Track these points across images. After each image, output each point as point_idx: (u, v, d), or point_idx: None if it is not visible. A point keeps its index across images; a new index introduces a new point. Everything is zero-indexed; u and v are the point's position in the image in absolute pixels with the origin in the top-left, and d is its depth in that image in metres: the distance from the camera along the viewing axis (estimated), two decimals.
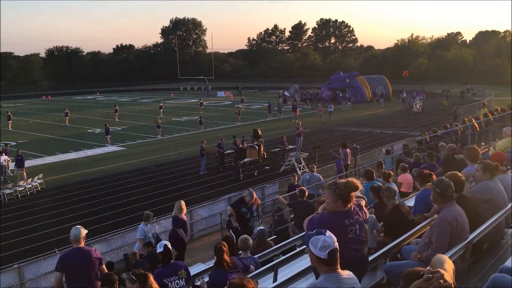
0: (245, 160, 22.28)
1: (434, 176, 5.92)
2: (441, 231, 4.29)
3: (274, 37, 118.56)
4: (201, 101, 51.06)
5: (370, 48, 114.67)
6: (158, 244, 5.70)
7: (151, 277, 4.48)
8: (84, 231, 6.19)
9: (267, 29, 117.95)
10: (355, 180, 3.83)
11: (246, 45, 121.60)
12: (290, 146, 23.91)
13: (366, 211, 4.16)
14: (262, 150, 24.09)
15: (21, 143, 29.66)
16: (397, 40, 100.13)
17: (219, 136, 26.33)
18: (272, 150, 23.81)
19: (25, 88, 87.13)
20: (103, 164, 24.53)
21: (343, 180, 3.81)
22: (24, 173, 20.72)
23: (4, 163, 21.10)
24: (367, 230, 4.26)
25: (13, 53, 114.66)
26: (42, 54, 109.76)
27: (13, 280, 9.30)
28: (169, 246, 5.69)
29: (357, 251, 3.85)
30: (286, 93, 55.01)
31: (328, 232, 3.02)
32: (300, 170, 20.47)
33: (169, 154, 26.79)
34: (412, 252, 4.60)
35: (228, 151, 23.65)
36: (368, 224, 4.75)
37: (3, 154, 21.79)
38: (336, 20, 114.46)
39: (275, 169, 22.18)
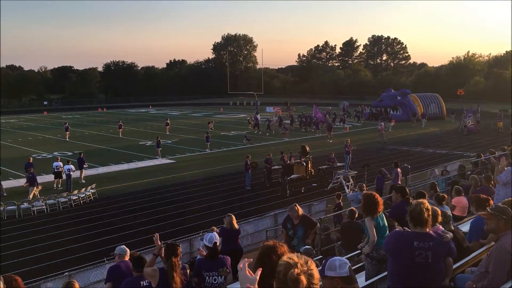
0: (292, 176, 22.13)
1: (491, 202, 5.61)
2: (500, 260, 4.03)
3: (324, 53, 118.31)
4: (252, 116, 51.30)
5: (423, 65, 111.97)
6: (209, 238, 5.66)
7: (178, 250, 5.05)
8: (128, 251, 6.48)
9: (318, 45, 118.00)
10: (427, 204, 3.78)
11: (296, 61, 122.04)
12: (339, 164, 23.55)
13: (452, 246, 4.04)
14: (309, 166, 23.87)
15: (77, 154, 30.84)
16: (452, 58, 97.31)
17: (267, 152, 26.35)
18: (320, 167, 23.52)
19: (82, 101, 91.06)
20: (153, 176, 25.08)
21: (415, 201, 3.77)
22: (36, 192, 20.38)
23: (69, 172, 21.96)
24: (449, 264, 4.07)
25: (72, 66, 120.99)
26: (100, 68, 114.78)
27: None
28: (218, 242, 5.71)
29: (422, 283, 3.65)
30: (258, 117, 47.82)
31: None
32: (348, 188, 20.08)
33: (217, 168, 27.05)
34: (467, 281, 4.35)
35: (275, 167, 23.58)
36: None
37: (69, 163, 22.73)
38: (388, 37, 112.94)
39: (323, 186, 21.88)
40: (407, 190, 7.98)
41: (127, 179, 24.32)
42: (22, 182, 22.91)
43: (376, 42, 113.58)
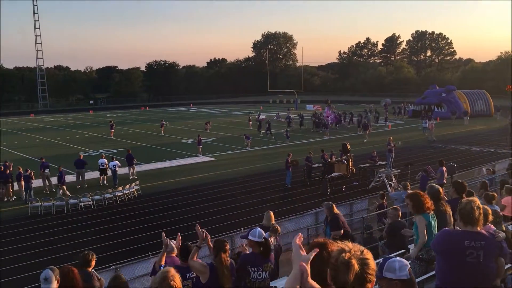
0: (333, 174, 21.93)
1: None
2: None
3: (365, 50, 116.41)
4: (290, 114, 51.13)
5: (470, 61, 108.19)
6: (258, 233, 5.67)
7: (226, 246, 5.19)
8: (176, 243, 6.48)
9: (359, 42, 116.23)
10: (477, 202, 3.66)
11: (337, 58, 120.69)
12: (381, 162, 23.12)
13: (504, 245, 3.89)
14: (350, 165, 23.58)
15: (121, 151, 31.65)
16: (500, 53, 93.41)
17: (307, 150, 26.20)
18: (362, 166, 23.18)
19: (126, 100, 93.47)
20: (194, 173, 25.44)
21: (466, 199, 3.65)
22: (64, 189, 20.95)
23: (114, 168, 22.66)
24: (501, 264, 3.93)
25: (117, 66, 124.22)
26: (143, 68, 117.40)
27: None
28: (268, 237, 5.72)
29: (472, 283, 3.54)
30: (261, 118, 44.02)
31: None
32: (390, 187, 19.69)
33: (257, 166, 27.15)
34: None
35: (316, 165, 23.43)
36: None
37: (114, 159, 23.42)
38: (433, 32, 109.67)
39: (364, 185, 21.56)
40: (466, 188, 7.64)
41: (169, 176, 24.78)
42: (70, 178, 23.81)
43: (420, 37, 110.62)
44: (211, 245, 5.43)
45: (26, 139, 41.12)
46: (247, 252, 6.24)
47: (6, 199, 20.38)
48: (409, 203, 5.96)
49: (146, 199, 20.27)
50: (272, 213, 9.45)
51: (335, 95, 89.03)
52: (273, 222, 9.42)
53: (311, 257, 2.27)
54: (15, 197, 20.61)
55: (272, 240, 9.61)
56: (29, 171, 20.69)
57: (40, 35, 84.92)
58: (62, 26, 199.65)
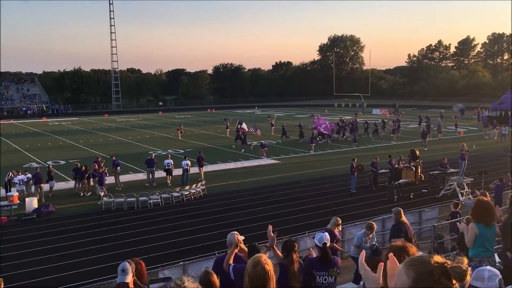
0: (400, 181, 21.28)
1: None
2: None
3: (437, 53, 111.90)
4: (356, 117, 50.25)
5: None
6: (319, 237, 5.67)
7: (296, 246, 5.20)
8: (240, 237, 6.46)
9: (430, 45, 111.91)
10: None
11: (406, 61, 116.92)
12: (452, 170, 22.13)
13: None
14: (419, 171, 22.78)
15: (188, 151, 32.55)
16: None
17: (373, 155, 25.64)
18: (431, 173, 22.30)
19: (193, 102, 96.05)
20: (258, 175, 25.67)
21: None
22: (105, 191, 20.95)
23: (186, 167, 23.41)
24: None
25: (185, 69, 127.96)
26: (210, 71, 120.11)
27: (178, 276, 10.20)
28: (328, 243, 5.68)
29: None
30: (252, 128, 39.01)
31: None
32: (462, 196, 18.81)
33: (321, 169, 26.92)
34: None
35: (382, 171, 22.86)
36: None
37: (186, 158, 24.24)
38: (511, 35, 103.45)
39: (434, 193, 20.74)
40: None
41: (234, 178, 25.15)
42: (140, 176, 24.86)
43: (497, 40, 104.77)
44: (276, 249, 5.45)
45: (101, 138, 43.41)
46: (314, 256, 6.22)
47: (82, 194, 21.60)
48: (472, 207, 5.73)
49: (211, 199, 20.71)
50: (339, 219, 9.37)
51: (403, 100, 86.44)
52: (339, 228, 9.34)
53: (380, 277, 2.21)
54: (90, 193, 21.80)
55: (370, 236, 9.59)
56: (103, 168, 21.80)
57: (115, 39, 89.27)
58: (133, 30, 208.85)
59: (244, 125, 37.10)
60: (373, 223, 9.82)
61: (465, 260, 1.98)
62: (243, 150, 33.69)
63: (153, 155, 24.72)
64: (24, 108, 75.48)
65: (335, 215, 16.72)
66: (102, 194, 20.03)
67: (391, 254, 2.15)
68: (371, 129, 41.79)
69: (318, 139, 37.19)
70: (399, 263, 2.15)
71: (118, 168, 23.17)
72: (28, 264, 13.33)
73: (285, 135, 40.49)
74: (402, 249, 2.61)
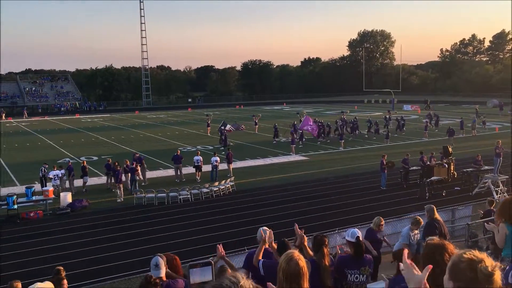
0: (432, 178, 20.87)
1: None
2: None
3: (471, 47, 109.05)
4: (389, 114, 49.46)
5: None
6: (351, 232, 5.61)
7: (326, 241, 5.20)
8: (268, 232, 6.44)
9: (463, 39, 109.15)
10: None
11: (438, 56, 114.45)
12: (486, 167, 21.57)
13: None
14: (452, 169, 22.29)
15: (217, 148, 32.75)
16: None
17: (404, 151, 25.22)
18: (464, 170, 21.79)
19: (222, 98, 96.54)
20: (286, 172, 25.61)
21: None
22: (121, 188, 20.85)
23: (216, 163, 23.64)
24: None
25: (214, 66, 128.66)
26: (238, 67, 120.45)
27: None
28: (361, 237, 5.62)
29: None
30: (232, 127, 38.17)
31: None
32: (497, 194, 18.30)
33: (350, 166, 26.66)
34: None
35: (414, 168, 22.46)
36: None
37: (215, 154, 24.44)
38: None
39: (467, 190, 20.26)
40: None
41: (263, 174, 25.18)
42: (170, 172, 25.16)
43: None
44: (306, 246, 5.42)
45: (132, 134, 44.15)
46: (346, 251, 6.17)
47: (114, 190, 22.02)
48: (498, 207, 5.56)
49: (240, 195, 20.80)
50: (382, 219, 9.19)
51: (434, 95, 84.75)
52: (382, 229, 9.19)
53: (426, 277, 2.17)
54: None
55: (416, 232, 9.38)
56: (134, 164, 22.17)
57: (145, 37, 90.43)
58: (163, 27, 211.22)
59: (228, 127, 36.65)
60: (420, 218, 9.54)
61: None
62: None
63: (179, 151, 24.98)
64: (58, 105, 77.44)
65: (366, 213, 16.59)
66: (118, 192, 20.51)
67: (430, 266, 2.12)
68: (373, 127, 39.51)
69: (301, 140, 35.32)
70: (439, 261, 2.11)
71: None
72: (63, 257, 13.69)
73: (276, 136, 37.57)
74: (440, 246, 2.55)
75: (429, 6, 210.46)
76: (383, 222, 9.13)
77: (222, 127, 36.14)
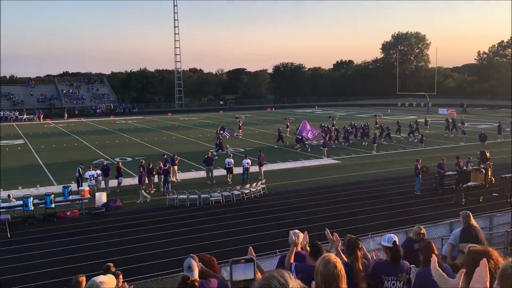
0: (468, 183, 20.32)
1: None
2: None
3: (510, 50, 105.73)
4: (427, 119, 48.45)
5: None
6: (387, 237, 5.51)
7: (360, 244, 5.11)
8: (300, 235, 6.41)
9: (502, 41, 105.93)
10: None
11: (475, 59, 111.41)
12: None
13: None
14: (490, 174, 21.64)
15: (248, 150, 32.83)
16: None
17: (439, 156, 24.68)
18: (503, 176, 21.12)
19: (253, 101, 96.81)
20: (318, 175, 25.44)
21: None
22: (142, 192, 21.01)
23: (247, 166, 23.73)
24: None
25: (245, 69, 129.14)
26: (270, 70, 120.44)
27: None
28: (397, 242, 5.50)
29: None
30: (226, 133, 36.79)
31: None
32: None
33: (383, 170, 26.25)
34: None
35: (449, 173, 21.93)
36: None
37: (247, 157, 24.52)
38: None
39: (506, 197, 19.60)
40: None
41: (294, 177, 25.09)
42: (202, 174, 25.37)
43: None
44: (340, 251, 5.36)
45: (164, 136, 44.80)
46: (381, 257, 6.05)
47: (147, 191, 22.36)
48: None
49: (271, 198, 20.78)
50: (422, 228, 8.95)
51: (471, 99, 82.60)
52: (423, 238, 8.94)
53: (460, 282, 2.10)
54: (155, 189, 22.54)
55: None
56: (167, 166, 22.47)
57: (179, 40, 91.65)
58: (195, 30, 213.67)
59: (225, 132, 35.94)
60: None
61: None
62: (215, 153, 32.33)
63: (210, 153, 25.11)
64: (93, 107, 79.35)
65: (400, 218, 16.29)
66: (145, 194, 20.86)
67: (484, 260, 2.05)
68: (385, 132, 38.04)
69: (297, 146, 34.56)
70: (483, 267, 2.04)
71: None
72: (97, 256, 13.99)
73: (281, 140, 36.96)
74: (484, 253, 2.47)
75: (465, 7, 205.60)
76: (423, 231, 8.77)
77: (221, 131, 35.71)
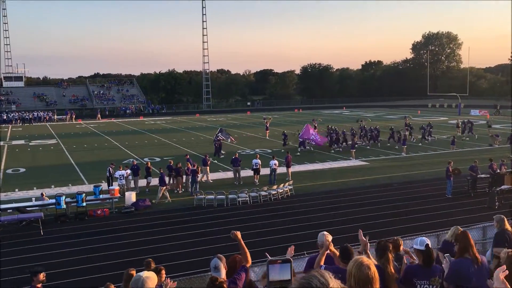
0: (502, 187, 19.77)
1: None
2: None
3: None
4: (458, 121, 47.33)
5: None
6: (420, 240, 5.41)
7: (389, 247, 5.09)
8: (329, 237, 6.31)
9: None
10: None
11: (509, 59, 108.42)
12: None
13: None
14: None
15: (276, 151, 32.76)
16: None
17: (471, 158, 24.09)
18: None
19: (281, 102, 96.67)
20: (346, 177, 25.21)
21: None
22: (164, 191, 21.02)
23: (274, 167, 23.74)
24: None
25: (273, 70, 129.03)
26: (297, 71, 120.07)
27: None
28: (430, 245, 5.39)
29: None
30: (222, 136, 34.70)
31: None
32: None
33: (413, 172, 25.81)
34: None
35: (482, 176, 21.38)
36: None
37: (274, 158, 24.55)
38: None
39: None
40: None
41: (322, 178, 24.92)
42: (230, 175, 25.47)
43: None
44: (369, 253, 5.28)
45: (193, 137, 45.21)
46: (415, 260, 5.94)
47: (175, 191, 22.61)
48: None
49: (298, 199, 20.69)
50: (461, 229, 8.73)
51: (505, 100, 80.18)
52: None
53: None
54: (183, 190, 22.75)
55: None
56: (195, 166, 22.65)
57: (207, 41, 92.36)
58: (223, 31, 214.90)
59: (221, 135, 35.59)
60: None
61: None
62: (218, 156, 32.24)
63: (237, 154, 25.20)
64: (123, 108, 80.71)
65: (431, 221, 15.95)
66: (166, 194, 21.01)
67: None
68: (396, 135, 36.51)
69: (300, 148, 33.89)
70: None
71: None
72: (127, 254, 14.22)
73: (285, 143, 36.57)
74: None
75: (498, 6, 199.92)
76: (461, 231, 8.57)
77: (219, 134, 35.24)
